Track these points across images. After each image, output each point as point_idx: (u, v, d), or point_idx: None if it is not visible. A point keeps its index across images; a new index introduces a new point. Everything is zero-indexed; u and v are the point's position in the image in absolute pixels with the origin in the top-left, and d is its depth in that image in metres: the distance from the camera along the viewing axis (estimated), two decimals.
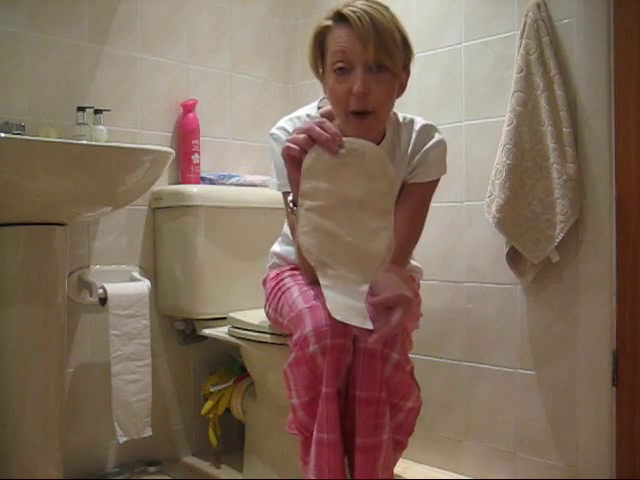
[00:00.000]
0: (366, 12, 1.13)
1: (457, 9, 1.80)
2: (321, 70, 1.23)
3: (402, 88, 1.24)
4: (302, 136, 1.06)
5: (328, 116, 1.30)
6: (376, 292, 1.07)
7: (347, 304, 1.00)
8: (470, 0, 1.78)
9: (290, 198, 1.17)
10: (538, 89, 1.57)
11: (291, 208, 1.16)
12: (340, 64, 1.15)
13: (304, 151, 1.06)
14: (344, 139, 1.06)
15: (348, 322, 1.01)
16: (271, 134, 1.33)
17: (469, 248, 1.79)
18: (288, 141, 1.08)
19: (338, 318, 1.00)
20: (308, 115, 1.32)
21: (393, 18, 1.17)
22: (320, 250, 1.01)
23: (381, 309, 1.04)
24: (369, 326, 1.00)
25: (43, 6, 1.67)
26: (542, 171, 1.58)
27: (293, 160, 1.08)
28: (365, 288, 1.02)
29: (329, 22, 1.18)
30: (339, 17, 1.16)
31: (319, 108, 1.34)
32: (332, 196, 1.03)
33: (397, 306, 1.03)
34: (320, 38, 1.20)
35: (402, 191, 1.32)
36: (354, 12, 1.13)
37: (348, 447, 1.10)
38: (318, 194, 1.03)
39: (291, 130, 1.29)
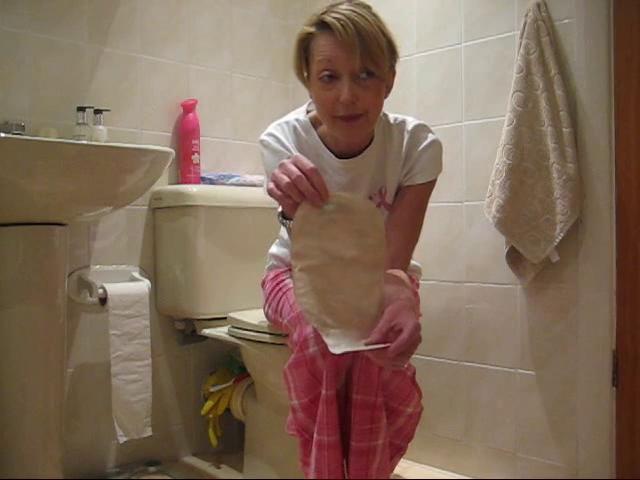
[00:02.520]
0: (350, 19, 1.11)
1: (457, 9, 1.80)
2: (306, 74, 1.22)
3: (389, 89, 1.24)
4: (286, 182, 0.99)
5: (317, 120, 1.29)
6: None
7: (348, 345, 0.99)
8: (470, 0, 1.78)
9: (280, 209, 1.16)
10: (538, 89, 1.57)
11: (280, 221, 1.16)
12: (326, 73, 1.14)
13: (286, 196, 1.01)
14: (333, 194, 1.02)
15: (357, 349, 0.98)
16: (261, 141, 1.30)
17: (469, 248, 1.79)
18: (273, 180, 1.02)
19: (342, 351, 0.97)
20: (297, 120, 1.30)
21: (377, 21, 1.15)
22: (320, 311, 1.01)
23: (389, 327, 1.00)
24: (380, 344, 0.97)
25: (43, 6, 1.67)
26: (542, 171, 1.58)
27: (277, 200, 1.04)
28: (364, 341, 1.00)
29: (312, 29, 1.16)
30: (323, 25, 1.14)
31: (308, 112, 1.33)
32: (324, 254, 1.02)
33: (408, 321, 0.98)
34: (304, 45, 1.19)
35: (398, 194, 1.31)
36: (338, 20, 1.11)
37: (347, 449, 1.10)
38: (310, 254, 1.02)
39: (280, 136, 1.27)
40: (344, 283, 1.02)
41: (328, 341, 0.98)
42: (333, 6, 1.15)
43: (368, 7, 1.17)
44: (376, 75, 1.15)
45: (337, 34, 1.11)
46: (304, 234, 1.02)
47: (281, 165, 1.02)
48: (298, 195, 1.00)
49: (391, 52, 1.19)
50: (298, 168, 1.00)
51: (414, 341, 0.95)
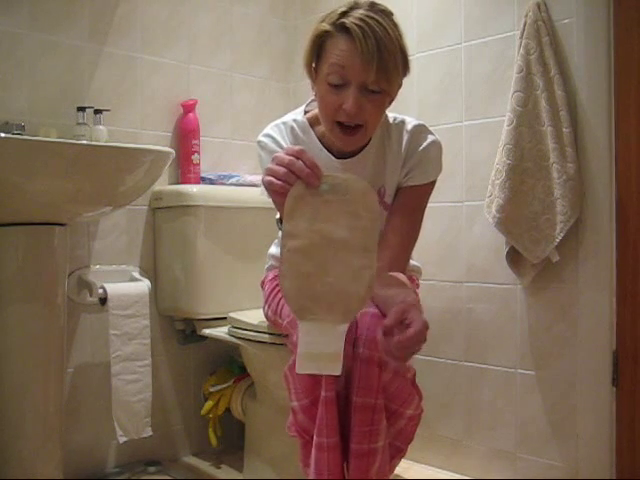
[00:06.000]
0: (372, 29, 1.09)
1: (457, 9, 1.80)
2: (314, 66, 1.20)
3: (392, 100, 1.23)
4: (282, 170, 0.99)
5: (314, 120, 1.29)
6: (385, 309, 1.05)
7: (319, 353, 0.98)
8: (470, 0, 1.78)
9: (278, 216, 1.15)
10: (538, 89, 1.57)
11: (279, 227, 1.15)
12: (335, 78, 1.13)
13: (286, 184, 1.00)
14: (327, 174, 1.01)
15: (316, 372, 0.99)
16: (258, 142, 1.30)
17: (469, 248, 1.79)
18: (268, 174, 1.02)
19: (304, 372, 0.98)
20: (295, 120, 1.30)
21: (397, 35, 1.13)
22: (299, 295, 0.99)
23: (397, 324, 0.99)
24: (337, 372, 0.97)
25: (43, 6, 1.67)
26: (542, 171, 1.58)
27: (276, 194, 1.03)
28: (344, 328, 0.99)
29: (331, 28, 1.13)
30: (343, 28, 1.12)
31: (306, 112, 1.32)
32: (315, 235, 0.99)
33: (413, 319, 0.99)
34: (319, 42, 1.17)
35: (398, 194, 1.31)
36: (360, 27, 1.09)
37: (347, 451, 1.09)
38: (301, 234, 0.99)
39: (277, 137, 1.27)
40: (333, 266, 0.99)
41: (301, 341, 0.97)
42: (355, 8, 1.12)
43: (390, 14, 1.15)
44: (384, 91, 1.15)
45: (357, 43, 1.09)
46: (297, 214, 1.00)
47: (273, 159, 1.02)
48: (295, 180, 0.99)
49: (404, 69, 1.18)
50: (288, 154, 1.00)
51: (420, 339, 0.95)
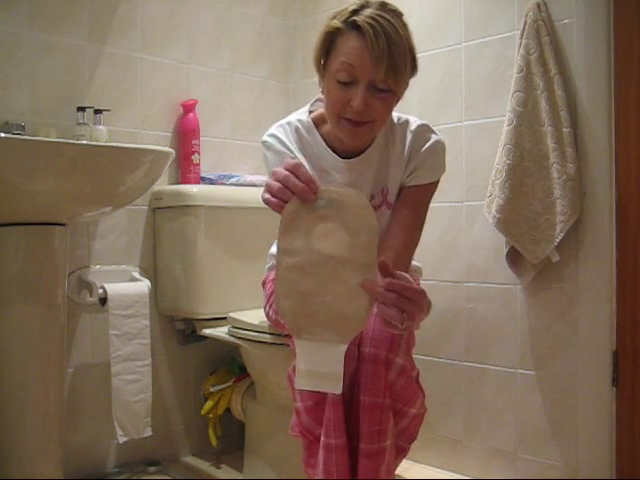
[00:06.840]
0: (383, 29, 1.09)
1: (457, 9, 1.80)
2: (322, 63, 1.20)
3: (398, 99, 1.23)
4: (277, 186, 0.97)
5: (319, 120, 1.29)
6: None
7: (318, 371, 0.96)
8: (470, 0, 1.78)
9: None
10: (538, 89, 1.57)
11: None
12: (344, 75, 1.13)
13: (282, 200, 0.98)
14: (323, 189, 0.98)
15: (316, 389, 0.97)
16: (263, 142, 1.30)
17: (469, 248, 1.79)
18: (266, 190, 1.00)
19: (304, 388, 0.97)
20: (299, 120, 1.30)
21: (407, 35, 1.14)
22: (296, 314, 0.96)
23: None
24: (338, 391, 0.95)
25: (43, 6, 1.67)
26: (542, 171, 1.58)
27: (274, 210, 1.01)
28: (343, 348, 0.96)
29: (342, 25, 1.13)
30: (354, 25, 1.12)
31: (310, 112, 1.32)
32: (312, 253, 0.96)
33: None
34: (329, 39, 1.16)
35: (401, 193, 1.31)
36: (371, 26, 1.09)
37: (352, 451, 1.09)
38: (297, 251, 0.97)
39: (282, 137, 1.27)
40: (331, 284, 0.96)
41: (299, 359, 0.95)
42: (366, 7, 1.13)
43: (400, 15, 1.15)
44: (392, 90, 1.15)
45: (368, 40, 1.10)
46: (292, 230, 0.97)
47: (272, 173, 1.00)
48: (290, 196, 0.98)
49: (412, 69, 1.18)
50: (284, 169, 0.98)
51: (412, 294, 0.94)
